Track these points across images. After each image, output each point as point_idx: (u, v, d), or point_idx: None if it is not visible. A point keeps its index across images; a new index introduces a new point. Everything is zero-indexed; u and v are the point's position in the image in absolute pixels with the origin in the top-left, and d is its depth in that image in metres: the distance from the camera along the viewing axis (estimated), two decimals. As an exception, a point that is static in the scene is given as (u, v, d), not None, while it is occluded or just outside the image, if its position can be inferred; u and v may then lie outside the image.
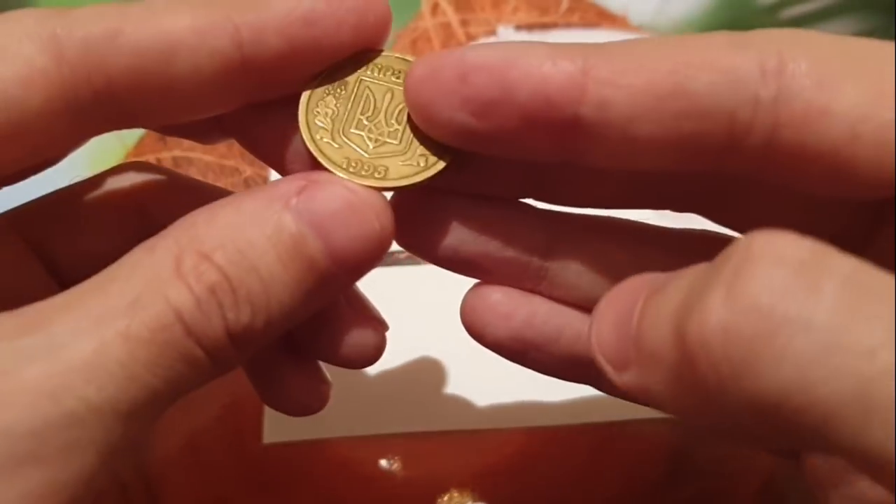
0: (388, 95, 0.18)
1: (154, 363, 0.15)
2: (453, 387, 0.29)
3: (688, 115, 0.15)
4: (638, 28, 0.38)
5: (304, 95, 0.18)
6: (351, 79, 0.18)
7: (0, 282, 0.19)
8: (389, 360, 0.29)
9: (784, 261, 0.12)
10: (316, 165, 0.18)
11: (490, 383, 0.28)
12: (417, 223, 0.19)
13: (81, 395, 0.14)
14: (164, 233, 0.16)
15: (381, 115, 0.18)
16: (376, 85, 0.18)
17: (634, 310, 0.15)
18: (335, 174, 0.18)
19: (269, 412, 0.28)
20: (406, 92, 0.17)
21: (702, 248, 0.19)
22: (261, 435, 0.28)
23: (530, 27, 0.37)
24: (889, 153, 0.14)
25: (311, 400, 0.22)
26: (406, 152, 0.18)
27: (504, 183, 0.19)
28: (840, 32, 0.39)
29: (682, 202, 0.19)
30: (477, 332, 0.20)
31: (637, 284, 0.16)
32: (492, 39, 0.37)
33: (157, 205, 0.21)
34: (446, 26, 0.37)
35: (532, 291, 0.20)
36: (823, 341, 0.11)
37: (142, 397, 0.15)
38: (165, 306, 0.15)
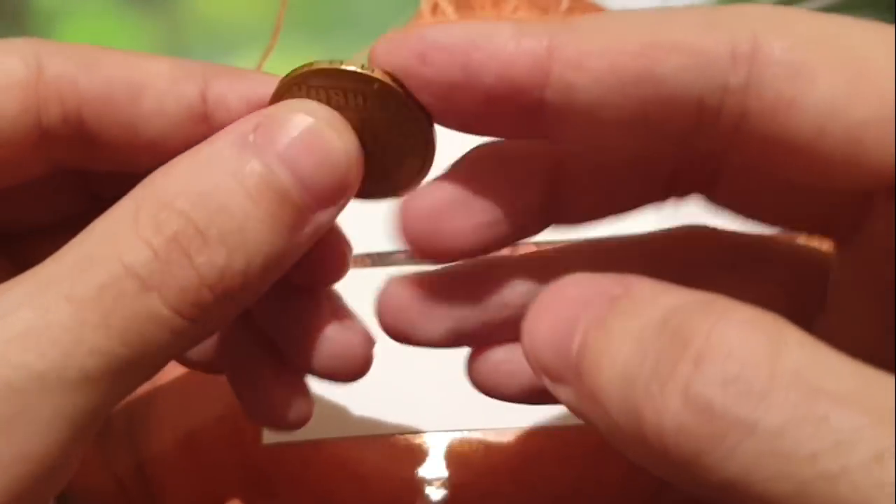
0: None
1: (105, 324, 0.14)
2: (453, 387, 0.28)
3: (654, 100, 0.15)
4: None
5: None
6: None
7: None
8: (389, 361, 0.29)
9: (737, 359, 0.13)
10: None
11: (490, 383, 0.28)
12: (410, 319, 0.19)
13: (18, 362, 0.14)
14: (124, 196, 0.16)
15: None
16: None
17: (574, 330, 0.15)
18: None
19: (268, 412, 0.28)
20: (370, 65, 0.16)
21: (680, 248, 0.19)
22: (261, 435, 0.28)
23: (530, 27, 0.37)
24: (858, 151, 0.13)
25: (292, 415, 0.22)
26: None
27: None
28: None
29: (674, 187, 0.19)
30: (488, 392, 0.20)
31: (573, 296, 0.16)
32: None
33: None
34: (446, 26, 0.37)
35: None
36: (767, 445, 0.12)
37: (94, 362, 0.14)
38: (115, 263, 0.14)
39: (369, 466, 0.28)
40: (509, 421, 0.28)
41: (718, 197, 0.19)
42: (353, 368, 0.21)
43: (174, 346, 0.15)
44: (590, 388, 0.14)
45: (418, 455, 0.28)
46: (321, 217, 0.17)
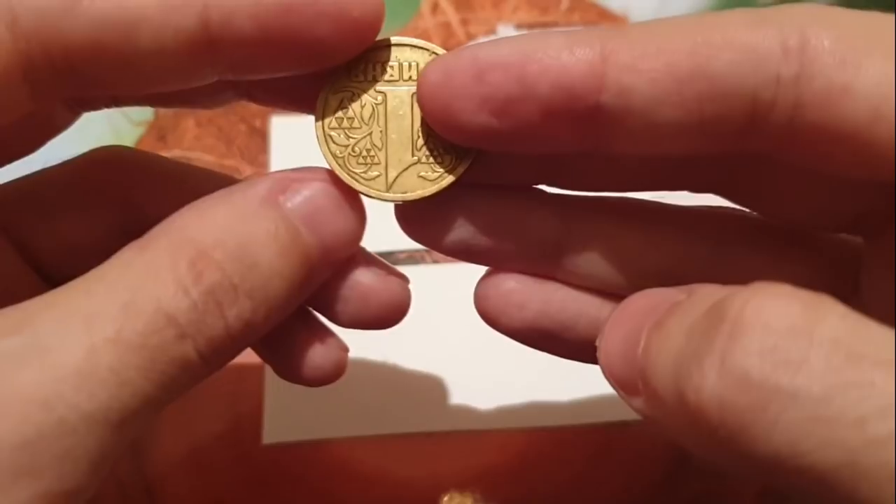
0: (408, 113, 0.18)
1: (146, 368, 0.15)
2: (454, 387, 0.29)
3: (709, 97, 0.15)
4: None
5: (317, 128, 0.18)
6: (359, 107, 0.18)
7: None
8: (390, 361, 0.29)
9: (773, 328, 0.13)
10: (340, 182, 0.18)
11: (491, 384, 0.28)
12: (427, 217, 0.19)
13: (73, 403, 0.14)
14: (155, 230, 0.16)
15: (398, 140, 0.18)
16: (393, 94, 0.18)
17: (639, 338, 0.15)
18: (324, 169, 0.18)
19: (268, 412, 0.28)
20: (420, 98, 0.17)
21: (715, 225, 0.19)
22: (261, 435, 0.28)
23: (530, 26, 0.37)
24: None
25: (328, 366, 0.21)
26: (419, 162, 0.18)
27: (517, 171, 0.19)
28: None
29: (699, 183, 0.19)
30: (491, 320, 0.20)
31: (641, 306, 0.16)
32: (492, 38, 0.37)
33: (142, 192, 0.21)
34: (446, 25, 0.37)
35: (546, 277, 0.19)
36: (811, 412, 0.12)
37: (134, 404, 0.15)
38: (158, 311, 0.15)
39: (369, 466, 0.27)
40: (509, 421, 0.28)
41: (740, 196, 0.19)
42: (395, 313, 0.20)
43: (189, 385, 0.16)
44: (652, 387, 0.14)
45: (418, 455, 0.28)
46: (322, 276, 0.18)
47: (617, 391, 0.16)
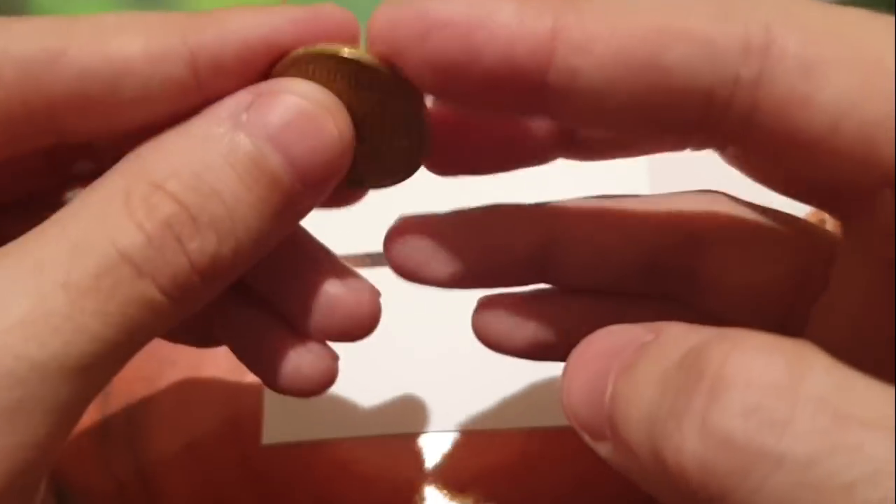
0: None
1: (103, 311, 0.14)
2: (453, 387, 0.29)
3: (661, 90, 0.14)
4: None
5: None
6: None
7: None
8: (390, 361, 0.29)
9: (756, 386, 0.12)
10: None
11: (490, 384, 0.28)
12: (416, 258, 0.19)
13: (21, 353, 0.13)
14: (111, 170, 0.15)
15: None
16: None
17: (606, 382, 0.15)
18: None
19: (268, 412, 0.28)
20: (369, 41, 0.16)
21: (690, 217, 0.19)
22: (261, 435, 0.28)
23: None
24: (871, 149, 0.13)
25: (314, 376, 0.21)
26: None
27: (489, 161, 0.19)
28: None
29: (680, 146, 0.18)
30: (494, 346, 0.20)
31: (605, 347, 0.15)
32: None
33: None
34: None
35: (536, 298, 0.20)
36: (797, 477, 0.11)
37: (94, 349, 0.14)
38: (110, 248, 0.14)
39: (369, 466, 0.27)
40: (509, 421, 0.28)
41: (726, 157, 0.18)
42: (362, 325, 0.20)
43: (160, 328, 0.15)
44: (622, 437, 0.14)
45: (418, 455, 0.28)
46: (308, 200, 0.16)
47: (580, 434, 0.15)
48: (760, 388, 0.12)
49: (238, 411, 0.28)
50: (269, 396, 0.28)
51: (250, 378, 0.29)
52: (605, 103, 0.14)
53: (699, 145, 0.16)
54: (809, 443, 0.11)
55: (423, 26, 0.15)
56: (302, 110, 0.16)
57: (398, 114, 0.17)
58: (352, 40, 0.16)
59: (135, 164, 0.15)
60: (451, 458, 0.28)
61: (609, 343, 0.15)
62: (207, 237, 0.15)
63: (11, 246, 0.15)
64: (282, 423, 0.28)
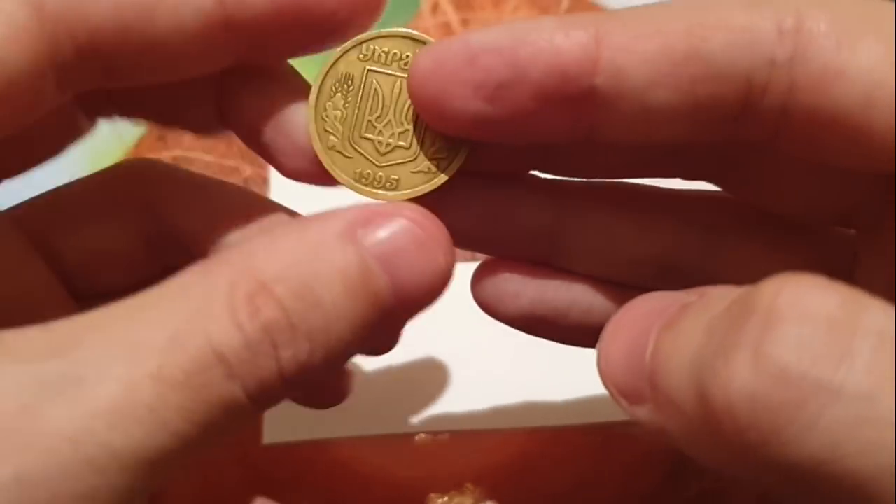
0: (397, 89, 0.18)
1: (188, 408, 0.14)
2: (454, 387, 0.29)
3: (703, 79, 0.15)
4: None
5: (313, 94, 0.18)
6: (356, 72, 0.18)
7: (3, 282, 0.18)
8: (390, 361, 0.29)
9: (812, 319, 0.12)
10: (327, 177, 0.18)
11: (491, 384, 0.28)
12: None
13: (104, 441, 0.13)
14: (219, 257, 0.15)
15: (391, 114, 0.18)
16: (384, 77, 0.18)
17: (647, 341, 0.14)
18: (387, 198, 0.17)
19: (268, 412, 0.28)
20: (411, 88, 0.16)
21: (707, 212, 0.19)
22: (261, 435, 0.28)
23: (530, 27, 0.37)
24: None
25: (332, 389, 0.21)
26: (416, 158, 0.18)
27: (508, 160, 0.19)
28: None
29: (692, 171, 0.19)
30: (487, 308, 0.20)
31: (647, 309, 0.15)
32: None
33: (164, 202, 0.20)
34: (446, 26, 0.37)
35: (542, 265, 0.19)
36: (856, 411, 0.11)
37: (171, 445, 0.14)
38: (206, 346, 0.14)
39: (370, 466, 0.27)
40: (510, 421, 0.28)
41: (732, 185, 0.18)
42: (328, 398, 0.21)
43: (235, 429, 0.15)
44: (663, 391, 0.14)
45: (418, 455, 0.28)
46: (400, 322, 0.17)
47: (617, 400, 0.15)
48: (816, 320, 0.12)
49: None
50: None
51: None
52: (651, 100, 0.15)
53: (735, 143, 0.16)
54: (870, 376, 0.11)
55: (469, 54, 0.15)
56: (415, 238, 0.16)
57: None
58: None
59: (244, 257, 0.15)
60: (451, 458, 0.28)
61: (650, 306, 0.15)
62: (301, 347, 0.15)
63: (104, 318, 0.14)
64: (282, 422, 0.28)
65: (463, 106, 0.16)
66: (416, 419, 0.28)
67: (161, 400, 0.13)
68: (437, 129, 0.17)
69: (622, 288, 0.19)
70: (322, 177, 0.18)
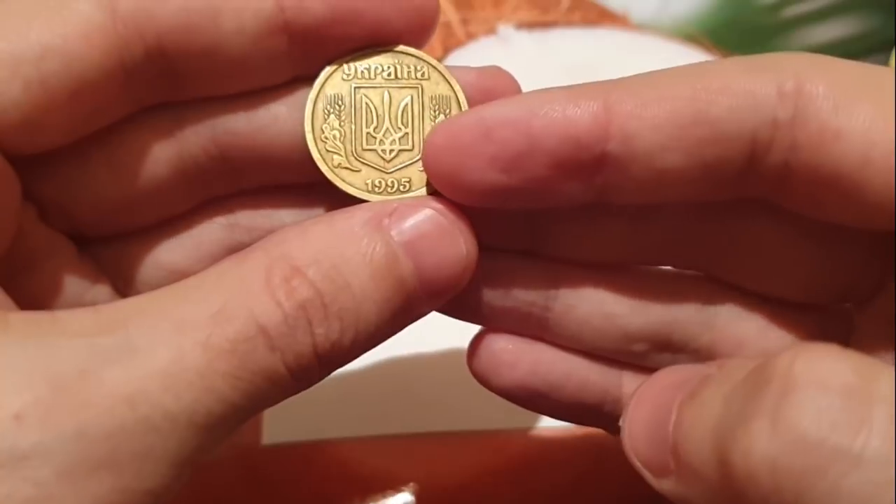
0: (387, 98, 0.18)
1: (234, 375, 0.15)
2: (453, 388, 0.29)
3: (710, 141, 0.15)
4: (639, 26, 0.38)
5: (307, 121, 0.18)
6: (344, 91, 0.18)
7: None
8: (390, 361, 0.29)
9: (828, 386, 0.12)
10: (340, 195, 0.18)
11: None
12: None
13: (158, 402, 0.14)
14: (254, 245, 0.16)
15: (387, 122, 0.18)
16: (372, 90, 0.18)
17: (669, 414, 0.15)
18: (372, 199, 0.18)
19: (268, 412, 0.28)
20: (426, 163, 0.17)
21: (702, 290, 0.19)
22: (261, 435, 0.28)
23: (531, 26, 0.37)
24: None
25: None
26: (421, 157, 0.18)
27: (508, 237, 0.19)
28: (840, 32, 0.39)
29: (685, 260, 0.19)
30: (483, 379, 0.20)
31: (668, 382, 0.16)
32: (492, 38, 0.37)
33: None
34: (446, 25, 0.37)
35: (536, 338, 0.20)
36: (877, 477, 0.11)
37: (219, 409, 0.15)
38: (249, 319, 0.15)
39: (369, 467, 0.27)
40: (510, 422, 0.28)
41: (726, 272, 0.19)
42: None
43: (274, 400, 0.16)
44: (686, 461, 0.14)
45: (418, 455, 0.28)
46: (425, 307, 0.17)
47: (642, 473, 0.16)
48: (832, 388, 0.12)
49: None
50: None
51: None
52: (661, 163, 0.16)
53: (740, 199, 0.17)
54: (888, 442, 0.11)
55: (484, 128, 0.16)
56: (438, 225, 0.17)
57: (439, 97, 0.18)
58: (430, 10, 0.18)
59: (278, 245, 0.16)
60: (450, 458, 0.28)
61: (671, 379, 0.16)
62: (333, 325, 0.16)
63: (148, 302, 0.15)
64: (282, 423, 0.28)
65: (480, 178, 0.16)
66: (416, 419, 0.28)
67: (210, 367, 0.15)
68: (454, 199, 0.17)
69: (618, 364, 0.20)
70: None
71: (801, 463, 0.12)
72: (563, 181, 0.16)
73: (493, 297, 0.19)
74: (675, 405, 0.15)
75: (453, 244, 0.17)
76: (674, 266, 0.19)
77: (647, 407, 0.16)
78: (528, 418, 0.28)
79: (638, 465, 0.16)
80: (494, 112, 0.16)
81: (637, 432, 0.16)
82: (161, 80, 0.17)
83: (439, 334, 0.29)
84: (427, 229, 0.17)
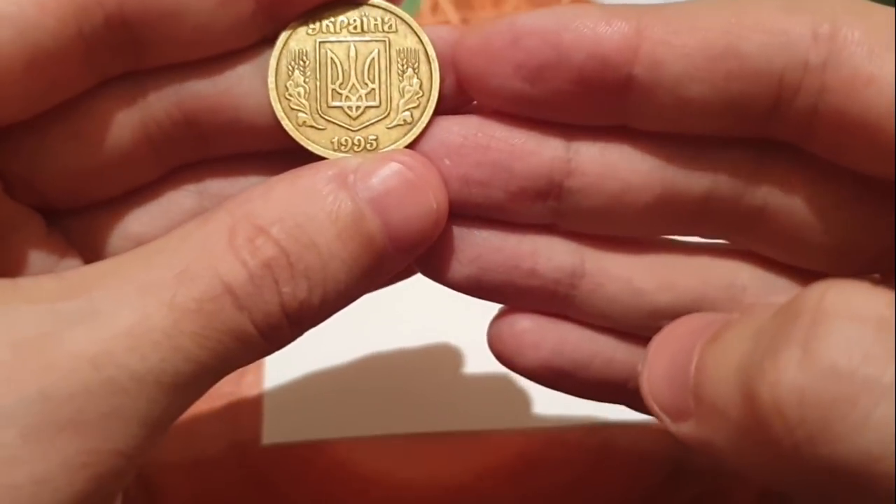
0: (353, 53, 0.18)
1: (201, 335, 0.15)
2: (454, 388, 0.29)
3: (738, 76, 0.15)
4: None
5: (271, 78, 0.17)
6: (308, 47, 0.18)
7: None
8: (390, 361, 0.29)
9: (861, 318, 0.12)
10: (306, 154, 0.18)
11: (491, 384, 0.28)
12: (439, 252, 0.18)
13: (123, 363, 0.14)
14: (217, 207, 0.16)
15: (353, 78, 0.18)
16: (337, 45, 0.18)
17: (690, 357, 0.15)
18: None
19: (268, 412, 0.28)
20: (457, 63, 0.17)
21: (730, 264, 0.19)
22: (261, 435, 0.28)
23: (531, 26, 0.37)
24: None
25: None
26: (388, 113, 0.18)
27: (529, 207, 0.18)
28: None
29: (714, 227, 0.19)
30: (506, 360, 0.19)
31: (690, 328, 0.16)
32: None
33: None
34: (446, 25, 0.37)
35: (560, 316, 0.19)
36: None
37: (187, 369, 0.15)
38: (215, 278, 0.15)
39: (369, 467, 0.27)
40: (510, 422, 0.28)
41: (756, 241, 0.18)
42: None
43: (244, 360, 0.16)
44: (709, 401, 0.14)
45: (418, 455, 0.28)
46: (395, 264, 0.17)
47: (660, 418, 0.15)
48: (864, 319, 0.12)
49: (238, 411, 0.28)
50: (270, 396, 0.28)
51: (250, 378, 0.29)
52: (686, 92, 0.15)
53: (763, 141, 0.17)
54: None
55: (514, 34, 0.16)
56: (405, 179, 0.16)
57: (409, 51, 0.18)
58: None
59: (241, 205, 0.16)
60: (451, 458, 0.28)
61: (692, 324, 0.16)
62: (300, 284, 0.16)
63: (111, 266, 0.15)
64: (282, 423, 0.28)
65: (504, 83, 0.16)
66: (416, 419, 0.28)
67: (176, 326, 0.14)
68: (480, 102, 0.17)
69: (644, 340, 0.19)
70: None
71: (830, 393, 0.11)
72: (587, 99, 0.16)
73: (519, 276, 0.18)
74: (697, 348, 0.15)
75: (422, 198, 0.16)
76: (701, 236, 0.19)
77: (668, 352, 0.16)
78: (529, 418, 0.28)
79: (656, 409, 0.16)
80: (526, 20, 0.16)
81: (656, 377, 0.16)
82: (123, 50, 0.17)
83: (439, 334, 0.29)
84: (394, 184, 0.16)
